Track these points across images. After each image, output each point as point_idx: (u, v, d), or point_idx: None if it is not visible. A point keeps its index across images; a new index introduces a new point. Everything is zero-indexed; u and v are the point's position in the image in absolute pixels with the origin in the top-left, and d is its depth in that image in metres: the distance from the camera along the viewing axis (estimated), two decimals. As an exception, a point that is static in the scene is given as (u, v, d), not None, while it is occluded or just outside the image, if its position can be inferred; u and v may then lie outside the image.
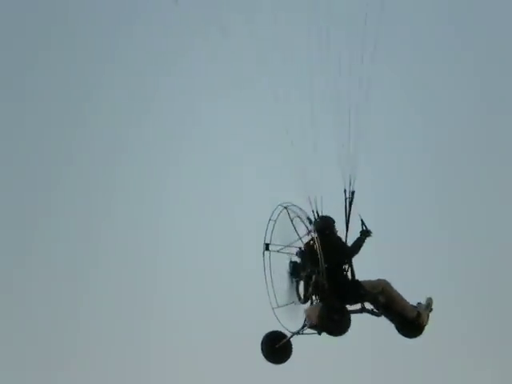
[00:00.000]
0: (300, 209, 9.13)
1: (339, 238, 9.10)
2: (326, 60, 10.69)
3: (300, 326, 8.96)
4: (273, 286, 9.10)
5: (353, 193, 9.64)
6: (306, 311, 8.80)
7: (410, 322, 9.71)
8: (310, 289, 8.31)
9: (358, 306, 9.12)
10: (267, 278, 9.17)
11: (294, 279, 8.75)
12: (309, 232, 8.88)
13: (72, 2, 24.96)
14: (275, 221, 9.21)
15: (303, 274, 8.67)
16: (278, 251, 9.12)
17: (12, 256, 25.00)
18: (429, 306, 10.17)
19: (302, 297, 8.92)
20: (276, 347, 9.25)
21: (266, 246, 8.91)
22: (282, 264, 9.21)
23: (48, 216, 25.04)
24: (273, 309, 9.41)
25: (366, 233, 9.14)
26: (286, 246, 9.05)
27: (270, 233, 9.20)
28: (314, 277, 8.35)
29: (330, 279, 8.49)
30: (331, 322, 8.41)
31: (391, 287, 9.71)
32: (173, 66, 22.93)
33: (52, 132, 25.56)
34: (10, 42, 25.55)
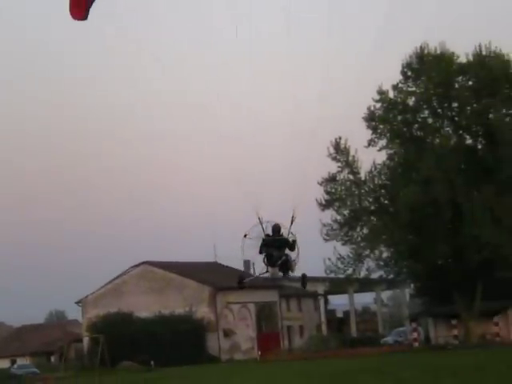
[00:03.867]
0: (270, 221, 17.67)
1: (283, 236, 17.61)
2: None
3: (260, 272, 17.54)
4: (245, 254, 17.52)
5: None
6: (271, 270, 17.25)
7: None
8: (283, 258, 17.12)
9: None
10: (243, 251, 17.29)
11: (263, 253, 17.14)
12: (274, 231, 17.45)
13: None
14: (251, 228, 17.47)
15: (271, 252, 17.12)
16: (249, 239, 17.38)
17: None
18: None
19: (268, 260, 17.26)
20: (244, 282, 18.67)
21: (244, 235, 17.23)
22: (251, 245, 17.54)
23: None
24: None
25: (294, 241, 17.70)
26: (254, 237, 17.33)
27: (249, 232, 17.35)
28: (285, 256, 17.04)
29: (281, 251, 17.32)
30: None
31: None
32: None
33: None
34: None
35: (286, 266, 17.55)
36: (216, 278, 64.95)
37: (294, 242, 17.59)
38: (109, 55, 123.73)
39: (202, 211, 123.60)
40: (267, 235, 17.57)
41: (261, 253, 17.47)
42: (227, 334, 62.69)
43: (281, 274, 17.57)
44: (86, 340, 63.92)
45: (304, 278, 18.30)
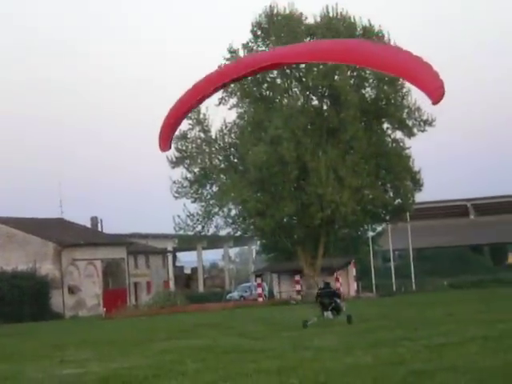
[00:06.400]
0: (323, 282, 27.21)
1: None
2: None
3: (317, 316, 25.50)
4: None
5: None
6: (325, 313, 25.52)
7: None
8: (333, 305, 25.40)
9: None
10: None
11: (320, 304, 25.58)
12: (325, 286, 26.52)
13: None
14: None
15: (324, 301, 25.66)
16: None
17: None
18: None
19: (322, 307, 25.63)
20: (307, 325, 24.72)
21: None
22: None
23: None
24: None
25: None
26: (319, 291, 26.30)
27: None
28: (333, 301, 25.45)
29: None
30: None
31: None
32: None
33: None
34: None
35: (335, 309, 25.19)
36: (62, 234, 63.71)
37: (340, 294, 26.37)
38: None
39: (49, 166, 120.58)
40: (320, 289, 25.38)
41: (316, 301, 25.51)
42: (72, 290, 61.84)
43: (331, 315, 25.02)
44: None
45: (349, 318, 24.80)
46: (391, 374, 11.96)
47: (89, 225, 70.93)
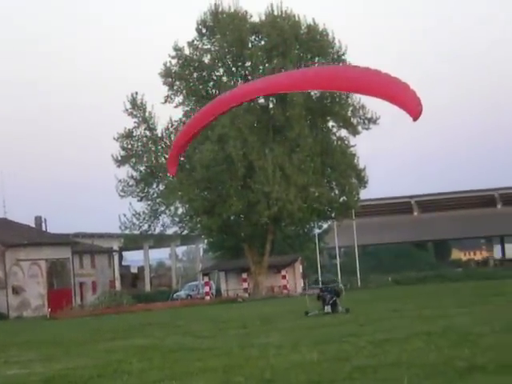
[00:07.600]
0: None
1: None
2: None
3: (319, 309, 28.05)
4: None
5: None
6: (326, 308, 28.16)
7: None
8: (333, 299, 28.32)
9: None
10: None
11: (320, 298, 28.48)
12: (329, 285, 31.82)
13: None
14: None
15: (325, 295, 28.53)
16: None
17: None
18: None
19: (323, 302, 28.17)
20: (309, 315, 27.19)
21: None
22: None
23: None
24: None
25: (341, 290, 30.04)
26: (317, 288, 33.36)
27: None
28: (334, 298, 28.46)
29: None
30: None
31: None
32: None
33: None
34: None
35: (335, 304, 27.78)
36: (5, 234, 62.71)
37: (341, 290, 29.04)
38: None
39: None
40: (322, 287, 28.53)
41: (318, 297, 28.21)
42: (16, 291, 60.96)
43: (330, 309, 27.42)
44: None
45: (347, 311, 27.16)
46: (336, 370, 12.07)
47: (33, 224, 69.91)
